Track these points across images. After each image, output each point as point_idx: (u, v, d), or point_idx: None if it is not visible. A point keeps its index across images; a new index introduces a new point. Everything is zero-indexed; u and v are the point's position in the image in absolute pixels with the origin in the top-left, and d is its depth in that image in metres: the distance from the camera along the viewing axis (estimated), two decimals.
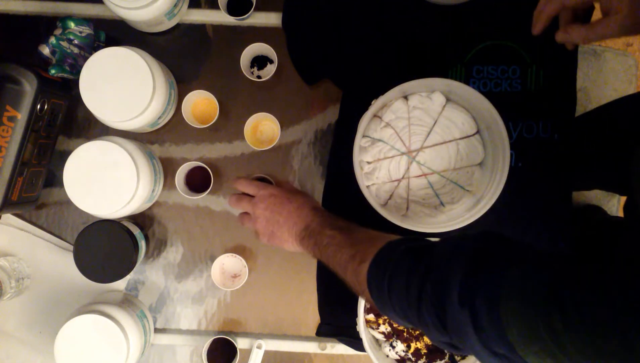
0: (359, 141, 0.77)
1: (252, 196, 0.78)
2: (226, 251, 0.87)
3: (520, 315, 0.39)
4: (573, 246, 0.87)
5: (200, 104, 0.88)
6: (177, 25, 0.89)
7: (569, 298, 0.36)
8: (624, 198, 1.24)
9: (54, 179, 0.87)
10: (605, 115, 0.92)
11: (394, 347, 0.79)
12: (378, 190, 0.80)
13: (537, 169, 0.87)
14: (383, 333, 0.79)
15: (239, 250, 0.88)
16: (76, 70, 0.82)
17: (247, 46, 0.84)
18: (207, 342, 0.83)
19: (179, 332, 0.88)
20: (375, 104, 0.77)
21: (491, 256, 0.45)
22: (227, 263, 0.87)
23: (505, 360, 0.42)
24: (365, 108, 0.78)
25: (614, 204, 1.24)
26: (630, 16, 0.59)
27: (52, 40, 0.80)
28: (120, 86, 0.75)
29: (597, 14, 0.67)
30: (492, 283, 0.42)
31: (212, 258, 0.86)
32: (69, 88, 0.84)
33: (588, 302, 0.35)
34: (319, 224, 0.67)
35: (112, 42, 0.86)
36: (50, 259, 0.87)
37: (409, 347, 0.79)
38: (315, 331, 0.88)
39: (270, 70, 0.87)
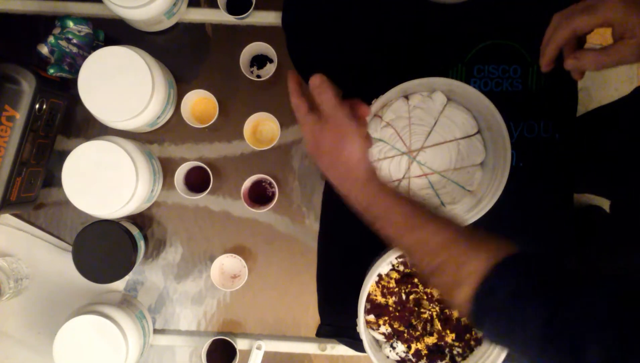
0: None
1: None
2: (225, 252, 0.87)
3: None
4: (574, 246, 0.87)
5: (200, 104, 0.87)
6: (177, 25, 0.88)
7: None
8: None
9: (53, 179, 0.87)
10: (607, 114, 0.92)
11: (394, 348, 0.78)
12: None
13: (538, 169, 0.87)
14: (383, 334, 0.79)
15: (239, 250, 0.88)
16: (75, 69, 0.82)
17: (247, 45, 0.83)
18: (206, 343, 0.83)
19: (178, 332, 0.88)
20: (376, 104, 0.76)
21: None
22: (227, 264, 0.87)
23: None
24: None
25: None
26: None
27: (51, 39, 0.80)
28: (119, 86, 0.75)
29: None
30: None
31: (212, 259, 0.86)
32: (68, 88, 0.84)
33: None
34: (385, 205, 0.60)
35: (111, 41, 0.86)
36: (49, 259, 0.86)
37: (409, 347, 0.78)
38: (315, 332, 0.88)
39: (269, 69, 0.87)
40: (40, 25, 0.86)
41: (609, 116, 0.92)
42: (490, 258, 0.49)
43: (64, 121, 0.86)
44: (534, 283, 0.46)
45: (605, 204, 1.24)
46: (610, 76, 1.21)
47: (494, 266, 0.48)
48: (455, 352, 0.79)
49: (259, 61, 0.87)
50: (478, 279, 0.49)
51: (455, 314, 0.79)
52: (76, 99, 0.77)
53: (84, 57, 0.76)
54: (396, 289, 0.79)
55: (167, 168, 0.88)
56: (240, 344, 0.87)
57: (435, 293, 0.79)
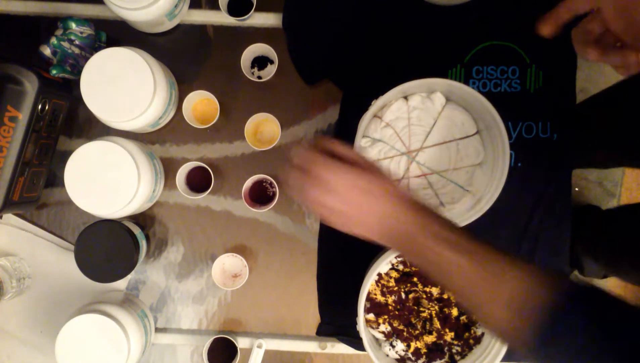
0: (359, 141, 0.77)
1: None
2: (227, 251, 0.87)
3: None
4: (571, 245, 0.87)
5: (201, 105, 0.88)
6: (178, 26, 0.89)
7: None
8: (624, 198, 1.24)
9: (55, 180, 0.88)
10: (612, 95, 0.91)
11: (393, 347, 0.79)
12: None
13: (537, 169, 0.87)
14: (383, 332, 0.80)
15: (240, 249, 0.88)
16: (77, 70, 0.82)
17: (248, 46, 0.84)
18: (207, 342, 0.84)
19: (180, 331, 0.89)
20: (375, 105, 0.77)
21: None
22: (228, 263, 0.87)
23: None
24: (365, 108, 0.78)
25: (614, 205, 1.24)
26: None
27: (53, 40, 0.80)
28: (121, 87, 0.75)
29: None
30: None
31: (213, 258, 0.87)
32: (70, 88, 0.85)
33: None
34: (423, 234, 0.54)
35: (113, 42, 0.86)
36: (52, 259, 0.87)
37: (408, 346, 0.79)
38: (315, 330, 0.88)
39: (270, 70, 0.87)
40: (43, 26, 0.87)
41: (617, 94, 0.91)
42: (549, 287, 0.47)
43: (67, 121, 0.86)
44: (603, 323, 0.45)
45: (605, 204, 1.24)
46: (610, 78, 1.21)
47: (559, 301, 0.46)
48: (454, 351, 0.79)
49: (260, 62, 0.88)
50: (543, 314, 0.46)
51: (455, 313, 0.79)
52: (78, 100, 0.78)
53: (86, 58, 0.77)
54: (396, 288, 0.79)
55: (168, 168, 0.88)
56: (241, 343, 0.87)
57: (435, 292, 0.80)
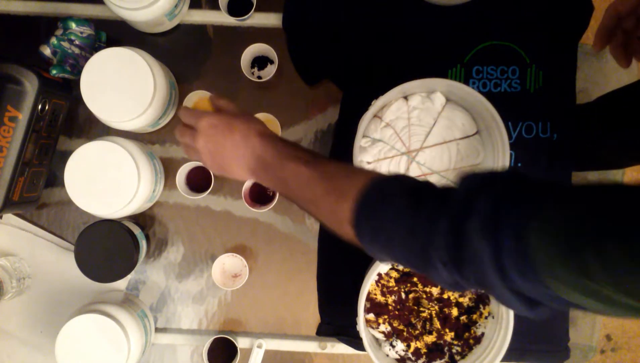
0: (359, 141, 0.77)
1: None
2: (227, 251, 0.87)
3: (556, 249, 0.36)
4: None
5: (201, 105, 0.88)
6: (178, 26, 0.89)
7: (609, 233, 0.33)
8: None
9: (55, 180, 0.88)
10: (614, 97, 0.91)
11: (393, 347, 0.79)
12: None
13: (537, 169, 0.87)
14: (383, 332, 0.80)
15: (240, 249, 0.88)
16: (77, 70, 0.82)
17: (248, 46, 0.84)
18: (207, 342, 0.84)
19: (180, 331, 0.89)
20: (375, 105, 0.77)
21: (519, 191, 0.41)
22: (228, 263, 0.87)
23: (525, 299, 0.40)
24: (365, 108, 0.78)
25: None
26: None
27: (53, 40, 0.80)
28: (121, 87, 0.75)
29: None
30: (522, 216, 0.38)
31: (213, 258, 0.87)
32: (70, 88, 0.85)
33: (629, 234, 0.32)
34: (273, 156, 0.60)
35: (113, 42, 0.86)
36: (52, 259, 0.87)
37: (408, 346, 0.79)
38: (315, 330, 0.89)
39: (270, 70, 0.87)
40: (43, 26, 0.87)
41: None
42: (369, 176, 0.51)
43: (67, 121, 0.86)
44: (403, 188, 0.48)
45: None
46: (610, 78, 1.21)
47: (370, 185, 0.50)
48: (454, 351, 0.79)
49: (260, 62, 0.88)
50: (355, 196, 0.49)
51: (455, 313, 0.79)
52: (78, 100, 0.78)
53: (86, 58, 0.77)
54: (396, 288, 0.79)
55: (168, 168, 0.88)
56: (241, 343, 0.87)
57: (435, 292, 0.80)
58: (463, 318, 0.79)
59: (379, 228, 0.48)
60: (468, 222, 0.40)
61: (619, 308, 0.35)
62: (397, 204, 0.47)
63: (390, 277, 0.80)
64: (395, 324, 0.79)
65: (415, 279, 0.80)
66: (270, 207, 0.84)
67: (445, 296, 0.79)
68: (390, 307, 0.79)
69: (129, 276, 0.88)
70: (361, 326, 0.75)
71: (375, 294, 0.80)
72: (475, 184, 0.43)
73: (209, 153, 0.65)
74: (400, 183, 0.50)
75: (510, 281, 0.39)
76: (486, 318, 0.79)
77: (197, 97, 0.86)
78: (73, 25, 0.81)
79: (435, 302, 0.80)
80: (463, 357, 0.79)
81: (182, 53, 0.90)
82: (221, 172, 0.66)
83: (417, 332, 0.79)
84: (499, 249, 0.39)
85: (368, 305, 0.79)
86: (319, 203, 0.55)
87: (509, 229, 0.38)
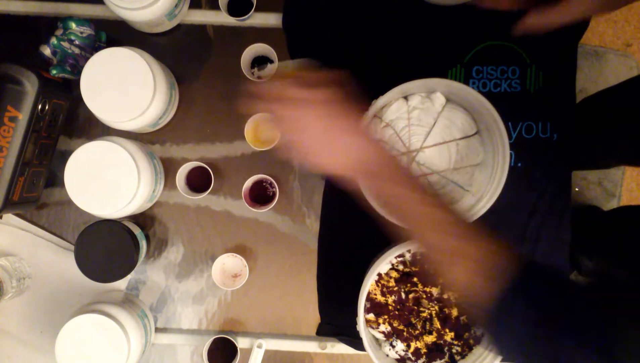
0: None
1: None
2: (227, 251, 0.87)
3: None
4: (571, 246, 0.87)
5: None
6: (178, 26, 0.89)
7: None
8: (624, 198, 1.24)
9: (55, 180, 0.88)
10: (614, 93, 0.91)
11: (393, 347, 0.79)
12: None
13: (537, 169, 0.87)
14: (383, 332, 0.80)
15: (240, 249, 0.88)
16: (77, 70, 0.82)
17: (248, 46, 0.84)
18: (207, 342, 0.84)
19: (180, 331, 0.89)
20: (375, 105, 0.77)
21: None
22: (228, 263, 0.87)
23: None
24: (365, 108, 0.78)
25: (614, 205, 1.24)
26: None
27: (53, 40, 0.80)
28: (121, 87, 0.75)
29: None
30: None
31: (213, 258, 0.87)
32: (70, 89, 0.85)
33: None
34: (389, 171, 0.57)
35: (113, 42, 0.86)
36: (52, 259, 0.87)
37: (408, 346, 0.79)
38: (315, 330, 0.89)
39: (270, 70, 0.87)
40: (43, 26, 0.87)
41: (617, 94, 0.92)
42: (515, 261, 0.48)
43: (67, 121, 0.86)
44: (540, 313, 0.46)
45: (605, 204, 1.24)
46: (610, 78, 1.22)
47: (522, 274, 0.47)
48: (454, 351, 0.79)
49: (260, 62, 0.88)
50: (506, 279, 0.47)
51: (455, 313, 0.79)
52: (78, 100, 0.78)
53: (86, 58, 0.77)
54: (396, 288, 0.79)
55: (168, 168, 0.88)
56: (241, 343, 0.87)
57: (435, 292, 0.80)
58: (463, 318, 0.79)
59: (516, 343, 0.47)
60: None
61: None
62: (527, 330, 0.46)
63: (390, 277, 0.80)
64: (395, 324, 0.79)
65: (415, 279, 0.80)
66: (270, 207, 0.84)
67: (445, 296, 0.79)
68: (390, 307, 0.79)
69: (129, 276, 0.88)
70: (361, 326, 0.75)
71: (375, 294, 0.80)
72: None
73: (315, 133, 0.59)
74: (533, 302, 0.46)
75: None
76: None
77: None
78: (73, 25, 0.81)
79: (435, 302, 0.80)
80: (463, 357, 0.79)
81: (182, 53, 0.90)
82: (309, 157, 0.60)
83: (417, 332, 0.79)
84: None
85: (368, 305, 0.79)
86: (442, 259, 0.53)
87: None
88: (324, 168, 0.60)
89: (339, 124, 0.59)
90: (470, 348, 0.79)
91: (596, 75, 1.21)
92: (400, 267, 0.80)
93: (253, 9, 0.85)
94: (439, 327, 0.79)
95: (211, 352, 0.85)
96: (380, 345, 0.81)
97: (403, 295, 0.80)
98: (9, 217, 0.87)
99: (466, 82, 0.87)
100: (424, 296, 0.80)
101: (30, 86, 0.75)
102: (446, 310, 0.79)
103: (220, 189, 0.89)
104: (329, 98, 0.59)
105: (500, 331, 0.48)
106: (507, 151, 0.75)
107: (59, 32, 0.81)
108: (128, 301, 0.84)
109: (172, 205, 0.89)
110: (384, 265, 0.77)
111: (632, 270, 0.90)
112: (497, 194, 0.76)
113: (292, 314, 0.89)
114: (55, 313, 0.86)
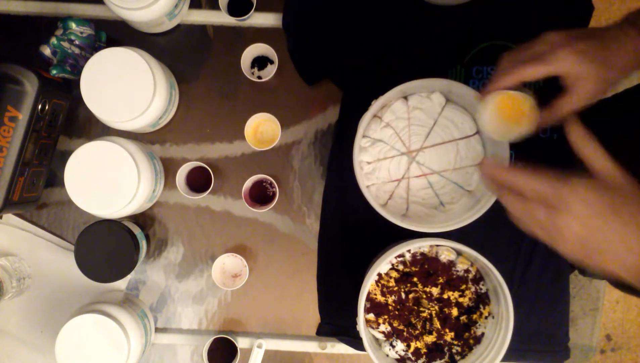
0: (359, 141, 0.77)
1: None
2: (227, 251, 0.88)
3: None
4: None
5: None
6: (178, 26, 0.89)
7: None
8: None
9: (55, 179, 0.88)
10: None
11: (393, 347, 0.79)
12: (378, 190, 0.81)
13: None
14: (383, 332, 0.80)
15: (240, 249, 0.88)
16: (77, 70, 0.82)
17: (248, 46, 0.84)
18: (207, 342, 0.84)
19: (180, 331, 0.89)
20: (375, 105, 0.77)
21: None
22: (228, 263, 0.87)
23: None
24: (365, 108, 0.78)
25: None
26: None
27: (53, 40, 0.80)
28: (121, 87, 0.75)
29: None
30: None
31: (213, 258, 0.87)
32: (70, 88, 0.85)
33: None
34: None
35: (113, 42, 0.86)
36: (52, 259, 0.87)
37: (408, 346, 0.79)
38: (315, 330, 0.89)
39: (270, 70, 0.87)
40: (43, 26, 0.87)
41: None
42: None
43: (67, 121, 0.86)
44: None
45: None
46: None
47: None
48: (454, 351, 0.79)
49: (260, 62, 0.88)
50: None
51: (455, 313, 0.79)
52: (78, 100, 0.78)
53: (86, 58, 0.77)
54: (396, 288, 0.79)
55: (168, 168, 0.88)
56: (241, 343, 0.87)
57: (435, 292, 0.80)
58: (463, 318, 0.79)
59: None
60: None
61: None
62: None
63: (390, 277, 0.80)
64: (395, 324, 0.79)
65: (415, 279, 0.80)
66: (270, 207, 0.84)
67: (445, 296, 0.79)
68: (390, 307, 0.79)
69: (129, 276, 0.88)
70: (361, 326, 0.75)
71: (375, 294, 0.80)
72: None
73: (578, 238, 0.50)
74: None
75: None
76: (486, 318, 0.79)
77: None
78: (73, 25, 0.81)
79: (435, 302, 0.80)
80: (463, 357, 0.79)
81: (182, 53, 0.90)
82: (589, 258, 0.51)
83: (417, 332, 0.79)
84: None
85: (368, 305, 0.79)
86: None
87: None
88: (601, 267, 0.50)
89: (615, 219, 0.48)
90: (471, 348, 0.79)
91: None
92: (400, 267, 0.80)
93: (253, 9, 0.85)
94: (439, 327, 0.79)
95: (211, 352, 0.85)
96: (380, 345, 0.81)
97: (403, 295, 0.80)
98: (9, 217, 0.87)
99: (466, 82, 0.87)
100: (424, 296, 0.80)
101: (30, 86, 0.75)
102: (446, 310, 0.79)
103: (220, 189, 0.89)
104: (595, 199, 0.51)
105: None
106: (507, 151, 0.75)
107: (59, 32, 0.82)
108: (128, 301, 0.84)
109: (172, 205, 0.89)
110: (384, 265, 0.77)
111: None
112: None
113: (292, 314, 0.89)
114: (55, 313, 0.86)
